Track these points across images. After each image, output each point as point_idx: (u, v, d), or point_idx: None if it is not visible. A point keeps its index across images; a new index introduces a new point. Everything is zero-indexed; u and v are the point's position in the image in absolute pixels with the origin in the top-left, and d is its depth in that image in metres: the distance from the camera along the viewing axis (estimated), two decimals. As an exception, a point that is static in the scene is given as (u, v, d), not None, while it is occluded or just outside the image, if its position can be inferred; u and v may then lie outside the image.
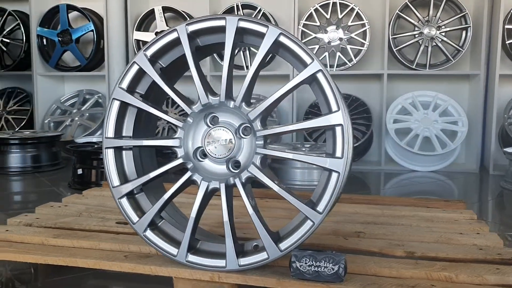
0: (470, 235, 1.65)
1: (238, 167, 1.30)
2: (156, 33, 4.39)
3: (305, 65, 1.23)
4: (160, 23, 4.39)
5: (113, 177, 1.36)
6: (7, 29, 4.82)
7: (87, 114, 4.72)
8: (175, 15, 4.50)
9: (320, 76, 1.22)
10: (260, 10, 4.35)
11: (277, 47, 1.27)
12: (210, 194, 1.31)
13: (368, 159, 4.49)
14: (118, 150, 1.38)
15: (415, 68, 4.17)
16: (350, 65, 4.24)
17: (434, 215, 1.93)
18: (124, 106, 1.37)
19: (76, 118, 4.69)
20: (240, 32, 1.28)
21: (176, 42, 1.32)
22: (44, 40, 4.70)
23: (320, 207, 1.21)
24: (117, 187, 1.35)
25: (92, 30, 4.53)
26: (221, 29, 1.29)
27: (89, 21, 4.53)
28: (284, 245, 1.24)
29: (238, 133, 1.30)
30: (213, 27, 1.29)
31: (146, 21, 4.52)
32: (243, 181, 1.27)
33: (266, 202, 2.15)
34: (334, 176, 1.21)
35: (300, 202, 1.22)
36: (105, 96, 4.67)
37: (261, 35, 1.25)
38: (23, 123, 4.75)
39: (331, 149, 1.24)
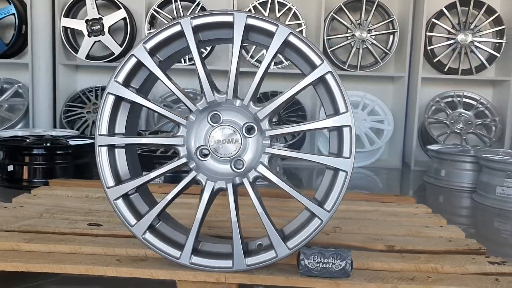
0: (435, 228, 1.78)
1: (241, 166, 1.28)
2: (87, 21, 4.15)
3: (313, 66, 1.25)
4: (91, 10, 4.14)
5: (108, 177, 1.27)
6: None
7: (6, 105, 4.33)
8: (107, 3, 4.27)
9: (329, 77, 1.24)
10: (198, 3, 4.27)
11: (283, 47, 1.27)
12: (215, 194, 1.28)
13: (301, 155, 4.62)
14: (111, 148, 1.30)
15: (347, 69, 4.36)
16: (287, 64, 4.33)
17: (393, 210, 2.05)
18: (117, 101, 1.29)
19: (-7, 109, 4.29)
20: (247, 29, 1.27)
21: (178, 35, 1.27)
22: (-45, 22, 4.22)
23: (328, 206, 1.24)
24: (112, 187, 1.27)
25: (14, 14, 4.15)
26: (227, 25, 1.26)
27: (10, 3, 4.14)
28: (292, 243, 1.25)
29: (242, 132, 1.28)
30: (219, 22, 1.26)
31: (75, 7, 4.25)
32: (251, 180, 1.26)
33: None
34: (341, 175, 1.24)
35: (309, 201, 1.24)
36: (27, 86, 4.29)
37: (268, 33, 1.25)
38: None
39: (336, 149, 1.27)
